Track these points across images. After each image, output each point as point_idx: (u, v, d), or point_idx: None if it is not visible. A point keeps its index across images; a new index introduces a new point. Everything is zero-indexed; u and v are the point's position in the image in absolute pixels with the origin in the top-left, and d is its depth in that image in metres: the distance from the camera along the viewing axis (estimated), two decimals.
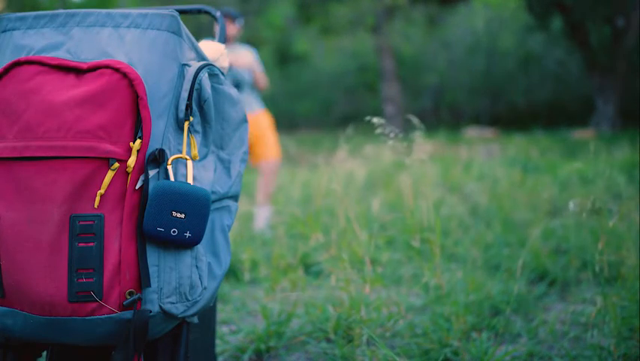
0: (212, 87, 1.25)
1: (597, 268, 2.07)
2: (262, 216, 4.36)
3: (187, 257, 1.13)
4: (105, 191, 1.06)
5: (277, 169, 4.52)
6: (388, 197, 4.33)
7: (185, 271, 1.13)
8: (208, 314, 1.62)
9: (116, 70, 1.10)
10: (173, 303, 1.12)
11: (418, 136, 2.67)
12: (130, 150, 1.08)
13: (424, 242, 2.48)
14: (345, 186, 4.64)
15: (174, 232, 1.09)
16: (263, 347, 2.12)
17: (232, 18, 4.32)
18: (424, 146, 2.74)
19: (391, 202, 4.28)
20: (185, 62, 1.19)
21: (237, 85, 4.25)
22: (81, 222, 1.05)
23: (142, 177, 1.09)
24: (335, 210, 3.74)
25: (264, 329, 2.20)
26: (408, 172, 3.96)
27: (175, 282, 1.12)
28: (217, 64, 1.43)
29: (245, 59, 4.36)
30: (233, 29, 4.34)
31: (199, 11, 1.66)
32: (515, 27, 15.77)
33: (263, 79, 4.53)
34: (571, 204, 2.45)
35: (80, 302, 1.05)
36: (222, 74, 1.28)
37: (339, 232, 2.86)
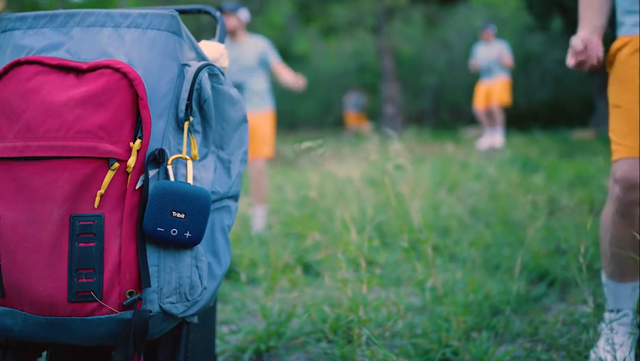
0: (212, 87, 1.25)
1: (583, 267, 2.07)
2: (259, 216, 4.34)
3: (187, 257, 1.13)
4: (105, 191, 1.07)
5: (263, 169, 4.39)
6: (381, 197, 4.32)
7: (185, 271, 1.13)
8: (208, 314, 1.63)
9: (116, 70, 1.10)
10: (173, 303, 1.12)
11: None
12: (130, 150, 1.08)
13: (421, 242, 2.48)
14: (340, 186, 4.63)
15: (174, 232, 1.09)
16: (263, 347, 2.13)
17: (230, 12, 4.25)
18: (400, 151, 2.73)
19: (386, 203, 4.28)
20: (185, 62, 1.19)
21: (237, 88, 4.19)
22: (81, 222, 1.05)
23: (142, 177, 1.09)
24: (330, 210, 3.75)
25: (263, 329, 2.20)
26: (404, 173, 3.96)
27: (175, 282, 1.12)
28: (217, 64, 1.43)
29: (250, 54, 4.32)
30: (234, 22, 4.29)
31: (199, 11, 1.66)
32: (515, 27, 15.77)
33: (283, 70, 4.42)
34: None
35: (79, 302, 1.05)
36: (222, 74, 1.28)
37: (335, 232, 2.86)
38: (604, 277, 1.92)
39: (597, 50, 1.74)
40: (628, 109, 1.74)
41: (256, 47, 4.37)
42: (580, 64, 1.75)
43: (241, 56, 4.31)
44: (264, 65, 4.41)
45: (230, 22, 4.28)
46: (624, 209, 1.74)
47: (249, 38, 4.43)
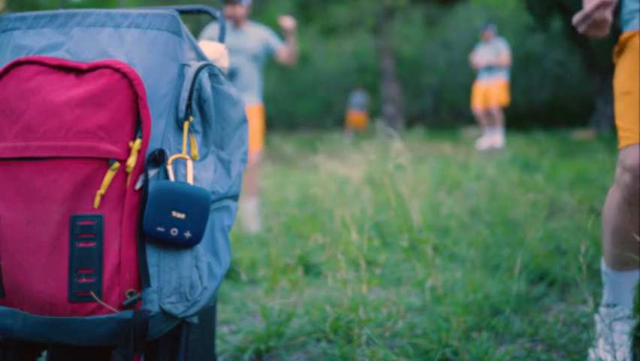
0: (212, 87, 1.25)
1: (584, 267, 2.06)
2: (250, 210, 4.33)
3: (187, 257, 1.13)
4: (105, 191, 1.07)
5: (257, 162, 4.41)
6: (382, 197, 4.33)
7: (185, 271, 1.13)
8: (208, 314, 1.63)
9: (116, 70, 1.10)
10: (173, 303, 1.12)
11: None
12: (130, 150, 1.08)
13: (421, 242, 2.48)
14: (340, 186, 4.64)
15: (174, 232, 1.09)
16: (263, 347, 2.12)
17: (237, 2, 4.25)
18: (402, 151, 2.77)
19: (386, 203, 4.28)
20: (185, 62, 1.19)
21: (232, 73, 4.19)
22: (81, 223, 1.05)
23: (142, 177, 1.09)
24: (331, 210, 3.75)
25: (263, 329, 2.20)
26: (404, 173, 3.97)
27: (175, 282, 1.12)
28: (217, 64, 1.44)
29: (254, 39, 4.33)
30: (241, 11, 4.30)
31: (199, 11, 1.66)
32: (515, 27, 15.77)
33: (287, 52, 4.42)
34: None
35: (80, 302, 1.05)
36: (222, 73, 1.28)
37: (335, 232, 2.86)
38: (604, 266, 1.91)
39: (609, 12, 1.58)
40: (638, 95, 1.72)
41: (260, 35, 4.40)
42: (593, 23, 1.58)
43: (246, 42, 4.32)
44: (268, 54, 4.42)
45: (237, 11, 4.29)
46: (633, 197, 1.70)
47: (252, 27, 4.45)
